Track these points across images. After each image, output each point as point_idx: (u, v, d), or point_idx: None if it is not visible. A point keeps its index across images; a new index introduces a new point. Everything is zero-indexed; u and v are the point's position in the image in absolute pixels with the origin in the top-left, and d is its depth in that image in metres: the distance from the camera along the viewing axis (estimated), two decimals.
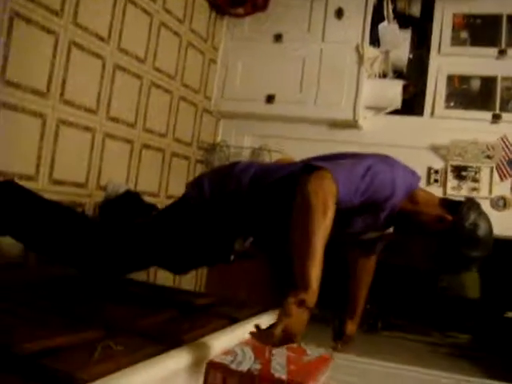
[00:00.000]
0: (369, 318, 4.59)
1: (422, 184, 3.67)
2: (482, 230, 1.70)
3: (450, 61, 3.90)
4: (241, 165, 2.00)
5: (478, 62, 3.82)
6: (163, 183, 3.45)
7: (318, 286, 1.38)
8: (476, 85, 3.93)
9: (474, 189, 3.61)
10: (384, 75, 4.02)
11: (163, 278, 3.36)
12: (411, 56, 4.08)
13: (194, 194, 1.98)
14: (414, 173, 1.89)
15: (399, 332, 4.55)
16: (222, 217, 1.94)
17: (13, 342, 1.25)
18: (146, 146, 3.21)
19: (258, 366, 1.48)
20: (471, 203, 1.75)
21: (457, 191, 3.64)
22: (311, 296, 1.36)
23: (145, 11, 3.08)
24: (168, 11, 3.32)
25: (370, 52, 3.75)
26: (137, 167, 3.12)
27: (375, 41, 3.83)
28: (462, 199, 1.80)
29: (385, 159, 1.81)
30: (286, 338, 1.35)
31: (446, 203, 1.77)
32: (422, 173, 3.69)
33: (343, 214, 1.64)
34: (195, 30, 3.71)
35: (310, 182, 1.50)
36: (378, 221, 1.81)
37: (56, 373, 1.13)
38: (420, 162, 3.73)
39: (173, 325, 1.65)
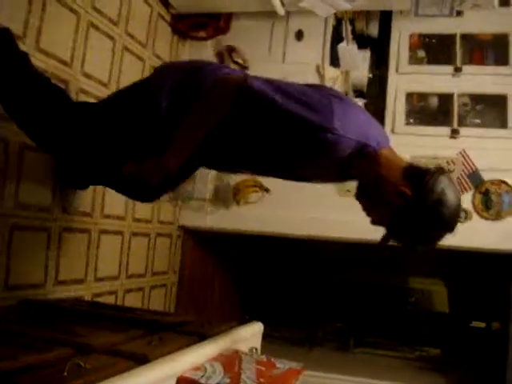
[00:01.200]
0: (340, 336, 4.63)
1: None
2: (445, 210, 1.53)
3: (408, 79, 3.98)
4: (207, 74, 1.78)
5: (435, 80, 3.92)
6: (129, 207, 3.42)
7: (175, 163, 1.62)
8: (434, 102, 4.04)
9: None
10: (345, 95, 4.11)
11: (131, 302, 3.36)
12: (371, 75, 4.18)
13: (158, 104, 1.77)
14: (385, 133, 1.76)
15: (371, 348, 4.59)
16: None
17: None
18: None
19: (227, 381, 1.49)
20: (437, 177, 1.55)
21: None
22: (165, 166, 1.61)
23: (107, 35, 3.10)
24: (130, 35, 3.35)
25: (330, 72, 3.83)
26: (102, 192, 3.12)
27: (335, 61, 3.91)
28: (431, 168, 1.61)
29: (350, 101, 1.75)
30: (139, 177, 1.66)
31: (411, 172, 1.59)
32: None
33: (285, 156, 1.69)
34: (158, 54, 3.74)
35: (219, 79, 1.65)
36: (329, 168, 1.72)
37: None
38: None
39: (141, 342, 1.66)
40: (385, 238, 1.70)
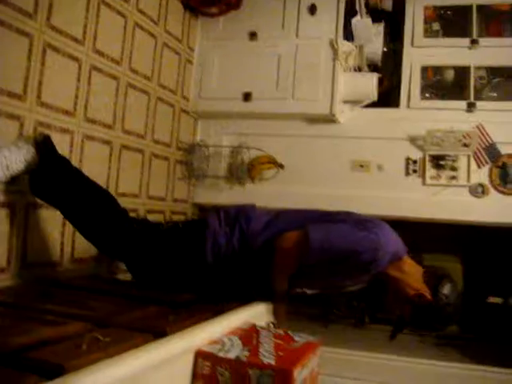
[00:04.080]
0: (356, 313, 4.62)
1: (401, 174, 3.75)
2: (453, 311, 1.99)
3: (423, 52, 3.94)
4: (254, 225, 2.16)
5: (451, 53, 3.87)
6: (144, 184, 3.44)
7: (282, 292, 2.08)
8: (450, 75, 3.99)
9: (453, 177, 3.65)
10: (359, 69, 4.06)
11: None
12: (385, 49, 4.13)
13: (210, 256, 2.12)
14: (403, 244, 2.08)
15: (386, 325, 4.57)
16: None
17: None
18: (126, 147, 3.20)
19: (246, 353, 1.49)
20: (450, 285, 1.99)
21: (435, 180, 3.67)
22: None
23: (119, 12, 3.08)
24: (142, 12, 3.31)
25: (344, 46, 3.78)
26: (117, 168, 3.11)
27: (349, 35, 3.85)
28: (443, 274, 2.07)
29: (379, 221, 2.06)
30: None
31: (428, 277, 2.01)
32: (400, 163, 3.77)
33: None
34: (170, 30, 3.71)
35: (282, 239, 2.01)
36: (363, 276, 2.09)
37: (45, 364, 1.13)
38: (398, 152, 3.78)
39: (159, 318, 1.66)
40: (395, 332, 2.12)
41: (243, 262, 2.11)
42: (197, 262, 2.12)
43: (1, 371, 1.12)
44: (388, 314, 2.13)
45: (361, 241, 1.92)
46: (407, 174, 3.75)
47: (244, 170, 3.88)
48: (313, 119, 3.91)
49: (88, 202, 2.29)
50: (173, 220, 2.50)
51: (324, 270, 2.03)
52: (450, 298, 1.96)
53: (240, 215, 2.18)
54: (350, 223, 2.01)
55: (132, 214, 3.19)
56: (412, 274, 2.01)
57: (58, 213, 2.46)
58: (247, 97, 3.89)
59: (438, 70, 4.03)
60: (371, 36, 3.92)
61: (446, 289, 1.97)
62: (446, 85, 4.02)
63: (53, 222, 2.61)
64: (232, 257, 2.11)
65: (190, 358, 1.46)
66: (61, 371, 1.09)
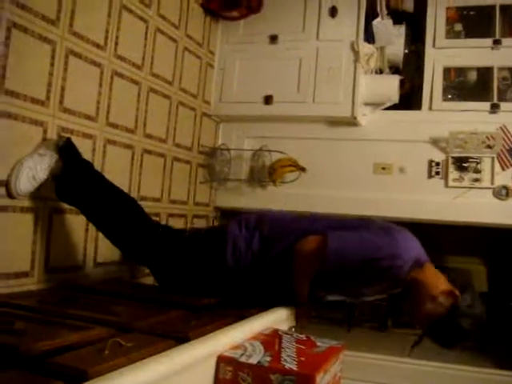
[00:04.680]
0: (378, 316, 4.60)
1: (424, 177, 3.72)
2: (480, 312, 1.90)
3: (445, 54, 3.90)
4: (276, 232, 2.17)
5: (474, 54, 3.82)
6: (165, 188, 3.46)
7: (304, 299, 2.08)
8: (472, 76, 3.94)
9: (476, 179, 3.61)
10: (380, 71, 4.04)
11: None
12: (407, 51, 4.10)
13: (231, 261, 2.13)
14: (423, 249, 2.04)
15: (409, 329, 4.54)
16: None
17: (24, 343, 1.26)
18: (147, 152, 3.22)
19: (267, 359, 1.49)
20: (474, 295, 1.93)
21: (459, 183, 3.63)
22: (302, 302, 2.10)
23: (140, 18, 3.10)
24: (163, 17, 3.33)
25: (365, 48, 3.76)
26: (138, 173, 3.13)
27: (370, 37, 3.83)
28: (468, 283, 1.98)
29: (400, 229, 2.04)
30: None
31: (453, 284, 1.93)
32: (422, 166, 3.74)
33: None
34: (191, 35, 3.72)
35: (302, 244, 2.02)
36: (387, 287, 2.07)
37: (69, 369, 1.14)
38: (420, 155, 3.75)
39: (181, 323, 1.66)
40: (418, 341, 2.07)
41: (262, 267, 2.11)
42: (218, 266, 2.12)
43: (25, 376, 1.13)
44: (411, 319, 2.04)
45: (381, 247, 1.91)
46: (430, 176, 3.72)
47: (266, 174, 3.88)
48: (334, 122, 3.89)
49: (111, 206, 2.32)
50: (195, 227, 2.51)
51: (343, 278, 2.02)
52: (474, 307, 1.89)
53: (260, 222, 2.20)
54: (371, 230, 2.00)
55: (154, 219, 3.22)
56: (437, 278, 1.94)
57: (81, 218, 2.48)
58: (268, 100, 3.89)
59: (460, 71, 3.98)
60: (392, 38, 3.90)
61: (471, 298, 1.90)
62: (469, 86, 3.97)
63: (76, 226, 2.63)
64: (252, 262, 2.11)
65: (212, 364, 1.47)
66: (84, 377, 1.10)
